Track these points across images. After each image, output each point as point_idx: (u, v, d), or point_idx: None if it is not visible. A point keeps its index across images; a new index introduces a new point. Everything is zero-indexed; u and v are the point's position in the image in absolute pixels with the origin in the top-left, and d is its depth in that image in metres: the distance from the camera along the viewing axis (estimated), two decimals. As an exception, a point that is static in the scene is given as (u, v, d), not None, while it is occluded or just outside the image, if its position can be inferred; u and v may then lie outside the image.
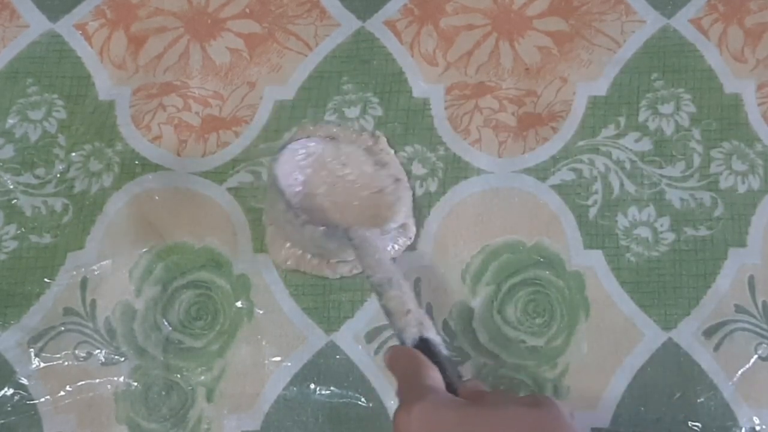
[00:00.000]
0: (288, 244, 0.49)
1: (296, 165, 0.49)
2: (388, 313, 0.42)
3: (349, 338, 0.49)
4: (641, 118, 0.53)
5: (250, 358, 0.49)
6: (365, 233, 0.45)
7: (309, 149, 0.50)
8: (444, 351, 0.41)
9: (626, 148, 0.53)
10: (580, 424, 0.47)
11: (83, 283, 0.50)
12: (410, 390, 0.38)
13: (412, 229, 0.50)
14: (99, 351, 0.49)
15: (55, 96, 0.55)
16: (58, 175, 0.53)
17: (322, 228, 0.46)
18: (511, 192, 0.52)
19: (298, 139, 0.50)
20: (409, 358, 0.40)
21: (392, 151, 0.52)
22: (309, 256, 0.49)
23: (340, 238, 0.46)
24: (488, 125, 0.54)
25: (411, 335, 0.41)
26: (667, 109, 0.54)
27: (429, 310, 0.50)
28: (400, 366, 0.41)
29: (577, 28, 0.56)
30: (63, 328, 0.49)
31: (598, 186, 0.52)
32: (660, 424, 0.47)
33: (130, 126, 0.54)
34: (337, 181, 0.50)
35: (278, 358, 0.49)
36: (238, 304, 0.50)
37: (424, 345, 0.41)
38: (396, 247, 0.49)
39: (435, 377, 0.39)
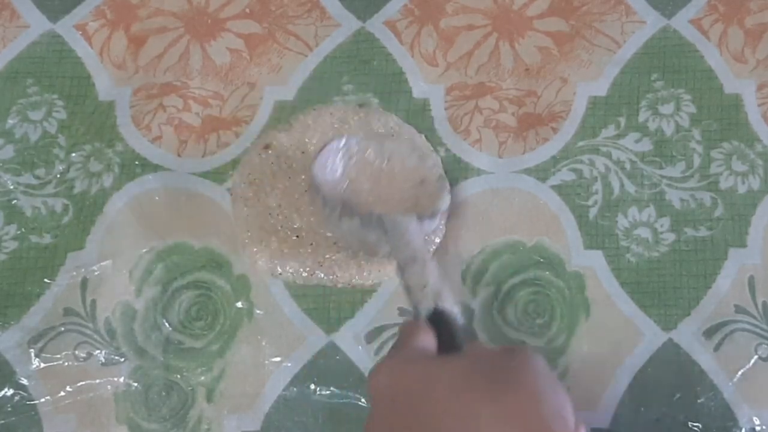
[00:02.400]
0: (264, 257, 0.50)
1: (338, 164, 0.50)
2: (407, 289, 0.43)
3: (349, 339, 0.49)
4: (641, 118, 0.53)
5: (250, 358, 0.49)
6: (397, 217, 0.46)
7: (351, 149, 0.50)
8: (458, 320, 0.41)
9: (626, 148, 0.53)
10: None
11: (83, 284, 0.50)
12: (392, 352, 0.39)
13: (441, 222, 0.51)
14: (99, 351, 0.49)
15: (55, 96, 0.55)
16: (58, 176, 0.53)
17: (357, 218, 0.47)
18: (511, 192, 0.52)
19: (340, 139, 0.50)
20: (410, 327, 0.41)
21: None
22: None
23: (376, 228, 0.46)
24: (488, 125, 0.54)
25: (425, 307, 0.41)
26: (667, 109, 0.54)
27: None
28: (400, 334, 0.41)
29: (578, 29, 0.56)
30: (63, 329, 0.49)
31: (598, 186, 0.52)
32: (660, 424, 0.47)
33: (130, 126, 0.54)
34: (381, 176, 0.51)
35: (278, 359, 0.49)
36: (238, 304, 0.50)
37: (437, 316, 0.41)
38: (432, 231, 0.49)
39: (425, 339, 0.39)
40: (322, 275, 0.50)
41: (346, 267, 0.50)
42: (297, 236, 0.50)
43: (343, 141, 0.50)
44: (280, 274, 0.50)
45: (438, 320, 0.41)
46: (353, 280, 0.50)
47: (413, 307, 0.42)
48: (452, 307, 0.42)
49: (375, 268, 0.50)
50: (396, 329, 0.49)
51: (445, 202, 0.49)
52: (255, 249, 0.50)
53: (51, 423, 0.48)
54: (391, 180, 0.50)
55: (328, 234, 0.50)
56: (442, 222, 0.51)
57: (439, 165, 0.52)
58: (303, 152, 0.52)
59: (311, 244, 0.50)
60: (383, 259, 0.50)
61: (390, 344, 0.49)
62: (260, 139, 0.53)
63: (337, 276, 0.50)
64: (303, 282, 0.50)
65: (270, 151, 0.52)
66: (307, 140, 0.53)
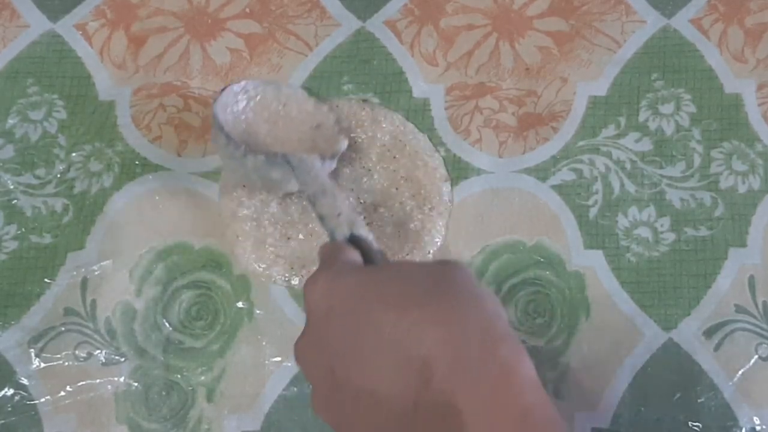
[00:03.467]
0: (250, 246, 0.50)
1: (237, 106, 0.51)
2: (321, 218, 0.44)
3: (350, 338, 0.49)
4: (641, 118, 0.53)
5: (250, 358, 0.49)
6: (302, 155, 0.47)
7: (249, 92, 0.51)
8: (374, 245, 0.42)
9: (626, 148, 0.53)
10: (580, 424, 0.47)
11: (83, 283, 0.50)
12: (322, 266, 0.39)
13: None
14: (99, 351, 0.49)
15: (56, 96, 0.55)
16: (59, 176, 0.53)
17: (262, 156, 0.47)
18: (511, 192, 0.52)
19: (239, 82, 0.51)
20: (333, 246, 0.41)
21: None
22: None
23: (281, 165, 0.47)
24: (488, 125, 0.54)
25: (341, 233, 0.43)
26: (667, 109, 0.54)
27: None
28: (322, 254, 0.41)
29: (578, 28, 0.56)
30: (63, 329, 0.49)
31: (598, 186, 0.52)
32: (660, 424, 0.47)
33: (130, 126, 0.54)
34: (278, 119, 0.52)
35: (278, 359, 0.49)
36: (239, 304, 0.50)
37: (354, 241, 0.42)
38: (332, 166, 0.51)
39: (352, 255, 0.40)
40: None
41: None
42: (288, 237, 0.50)
43: (242, 84, 0.51)
44: (275, 281, 0.50)
45: (356, 245, 0.42)
46: None
47: (329, 235, 0.43)
48: (368, 234, 0.43)
49: None
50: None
51: (343, 145, 0.50)
52: (240, 248, 0.50)
53: (51, 423, 0.48)
54: (288, 123, 0.52)
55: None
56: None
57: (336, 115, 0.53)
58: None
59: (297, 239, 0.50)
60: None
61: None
62: None
63: None
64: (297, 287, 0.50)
65: None
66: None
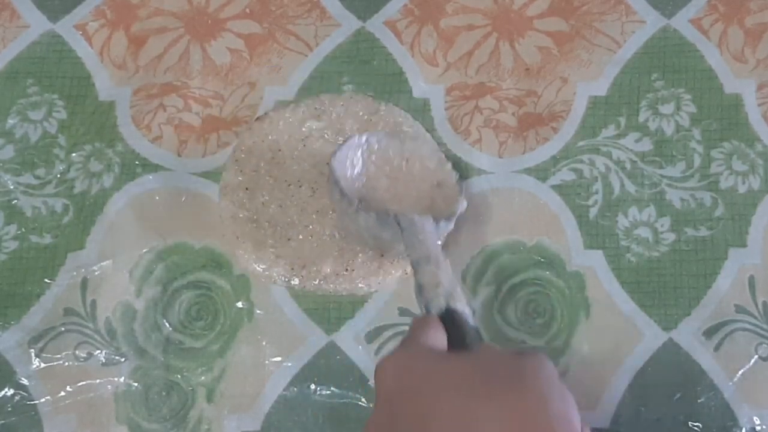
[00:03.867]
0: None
1: (358, 159, 0.50)
2: (420, 287, 0.43)
3: (350, 339, 0.49)
4: (641, 118, 0.53)
5: (250, 358, 0.49)
6: (413, 217, 0.46)
7: (371, 145, 0.50)
8: (470, 321, 0.41)
9: (626, 148, 0.53)
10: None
11: (83, 284, 0.50)
12: (401, 345, 0.39)
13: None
14: (99, 351, 0.49)
15: (56, 96, 0.55)
16: (59, 176, 0.53)
17: (373, 215, 0.46)
18: (511, 192, 0.52)
19: (361, 135, 0.50)
20: (421, 322, 0.40)
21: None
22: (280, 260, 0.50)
23: (392, 225, 0.46)
24: (488, 125, 0.54)
25: (437, 305, 0.41)
26: (667, 109, 0.54)
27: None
28: (411, 328, 0.41)
29: (578, 29, 0.56)
30: (63, 329, 0.49)
31: (598, 186, 0.52)
32: (660, 424, 0.47)
33: (130, 126, 0.54)
34: (400, 175, 0.51)
35: (278, 359, 0.49)
36: (239, 304, 0.50)
37: (449, 315, 0.41)
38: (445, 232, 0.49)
39: (435, 336, 0.39)
40: (317, 282, 0.50)
41: (333, 281, 0.50)
42: (289, 239, 0.50)
43: (365, 137, 0.50)
44: (275, 281, 0.50)
45: (449, 320, 0.41)
46: (344, 291, 0.50)
47: (425, 305, 0.42)
48: (464, 308, 0.41)
49: (365, 281, 0.50)
50: (396, 330, 0.49)
51: (462, 206, 0.49)
52: (241, 251, 0.50)
53: (51, 423, 0.48)
54: (409, 180, 0.51)
55: (336, 233, 0.50)
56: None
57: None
58: (302, 140, 0.52)
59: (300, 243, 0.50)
60: (371, 271, 0.50)
61: (390, 345, 0.49)
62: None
63: (322, 284, 0.50)
64: (299, 290, 0.50)
65: (257, 125, 0.52)
66: (305, 128, 0.53)
